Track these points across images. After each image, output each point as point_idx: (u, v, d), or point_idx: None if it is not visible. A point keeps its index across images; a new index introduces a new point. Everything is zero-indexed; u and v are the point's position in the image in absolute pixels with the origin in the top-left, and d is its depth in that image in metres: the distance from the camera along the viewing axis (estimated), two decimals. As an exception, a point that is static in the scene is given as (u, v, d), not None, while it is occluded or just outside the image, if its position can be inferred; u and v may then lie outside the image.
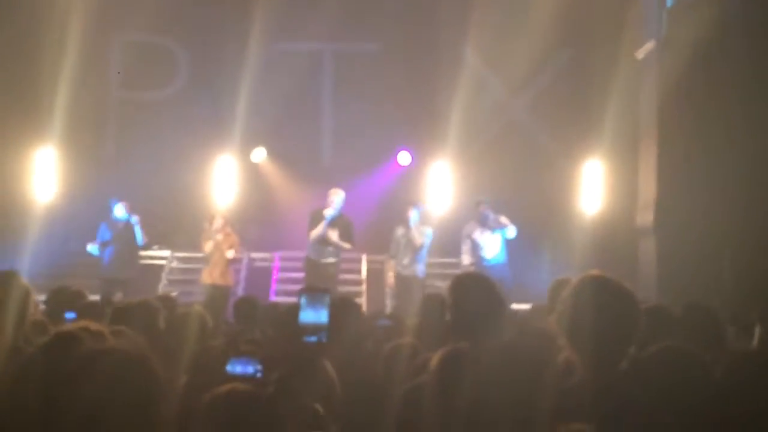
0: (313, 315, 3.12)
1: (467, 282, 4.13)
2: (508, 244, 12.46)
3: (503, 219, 12.45)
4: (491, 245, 12.41)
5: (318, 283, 11.49)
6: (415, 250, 12.31)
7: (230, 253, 12.21)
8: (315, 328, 3.11)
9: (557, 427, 2.46)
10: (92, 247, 12.43)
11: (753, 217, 11.16)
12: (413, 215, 12.37)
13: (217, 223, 12.34)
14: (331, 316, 3.60)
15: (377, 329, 6.40)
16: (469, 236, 12.47)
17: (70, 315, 4.86)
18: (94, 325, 3.44)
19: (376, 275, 13.98)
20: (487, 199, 12.55)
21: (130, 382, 2.41)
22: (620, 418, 2.85)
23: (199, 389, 3.15)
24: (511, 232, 12.39)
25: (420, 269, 12.38)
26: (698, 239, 11.31)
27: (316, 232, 11.93)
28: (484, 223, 12.42)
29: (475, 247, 12.44)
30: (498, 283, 4.16)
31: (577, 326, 3.06)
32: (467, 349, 2.56)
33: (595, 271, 3.21)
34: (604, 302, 3.07)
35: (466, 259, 12.45)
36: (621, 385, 3.01)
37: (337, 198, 12.02)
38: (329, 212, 11.94)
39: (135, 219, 12.43)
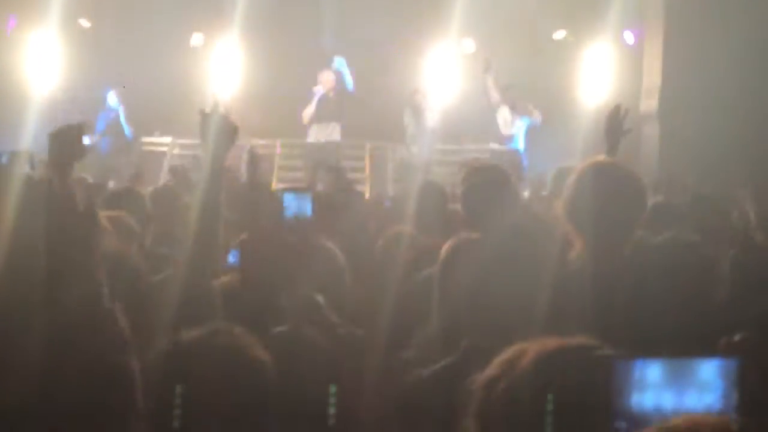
0: (297, 207, 3.13)
1: (481, 177, 4.11)
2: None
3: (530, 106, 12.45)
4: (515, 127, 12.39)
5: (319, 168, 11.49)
6: (424, 135, 12.29)
7: None
8: (298, 217, 3.13)
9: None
10: (87, 139, 12.39)
11: (759, 103, 11.06)
12: (421, 100, 12.34)
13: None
14: (326, 207, 3.58)
15: (381, 211, 6.44)
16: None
17: None
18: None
19: (379, 161, 13.92)
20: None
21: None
22: (619, 301, 2.87)
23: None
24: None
25: (426, 154, 12.38)
26: (702, 126, 11.23)
27: (305, 112, 11.91)
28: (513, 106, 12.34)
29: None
30: (512, 173, 4.16)
31: (581, 210, 3.07)
32: (475, 240, 2.56)
33: (600, 156, 3.19)
34: (609, 186, 3.07)
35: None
36: (623, 269, 3.02)
37: (324, 78, 11.89)
38: (317, 90, 11.96)
39: (121, 110, 12.41)
